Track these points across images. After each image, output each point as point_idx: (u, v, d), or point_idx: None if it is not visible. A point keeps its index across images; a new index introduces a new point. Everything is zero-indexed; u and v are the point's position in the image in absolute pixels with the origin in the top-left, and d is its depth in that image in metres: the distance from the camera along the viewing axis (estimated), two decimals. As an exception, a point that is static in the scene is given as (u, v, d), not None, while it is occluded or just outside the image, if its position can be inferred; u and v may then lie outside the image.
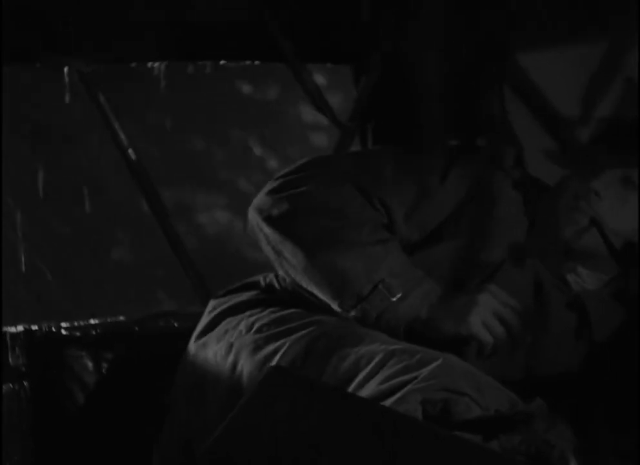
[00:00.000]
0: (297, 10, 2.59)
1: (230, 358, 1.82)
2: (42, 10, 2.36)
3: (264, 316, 1.85)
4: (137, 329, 2.35)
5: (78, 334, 2.29)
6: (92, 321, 2.33)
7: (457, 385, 1.58)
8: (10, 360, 2.21)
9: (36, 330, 2.26)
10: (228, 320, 1.91)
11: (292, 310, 1.85)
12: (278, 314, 1.84)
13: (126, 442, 2.22)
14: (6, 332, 2.22)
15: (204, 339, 1.93)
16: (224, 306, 1.95)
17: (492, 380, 1.65)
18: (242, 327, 1.85)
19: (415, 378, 1.59)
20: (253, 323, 1.84)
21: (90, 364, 2.27)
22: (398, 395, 1.57)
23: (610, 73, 2.36)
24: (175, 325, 2.34)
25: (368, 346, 1.70)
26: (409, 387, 1.57)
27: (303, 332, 1.77)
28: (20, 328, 2.24)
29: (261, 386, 1.53)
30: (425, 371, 1.60)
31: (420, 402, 1.55)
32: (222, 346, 1.86)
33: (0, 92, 2.69)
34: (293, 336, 1.76)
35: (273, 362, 1.73)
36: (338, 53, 2.83)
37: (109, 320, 2.36)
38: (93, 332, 2.30)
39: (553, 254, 1.92)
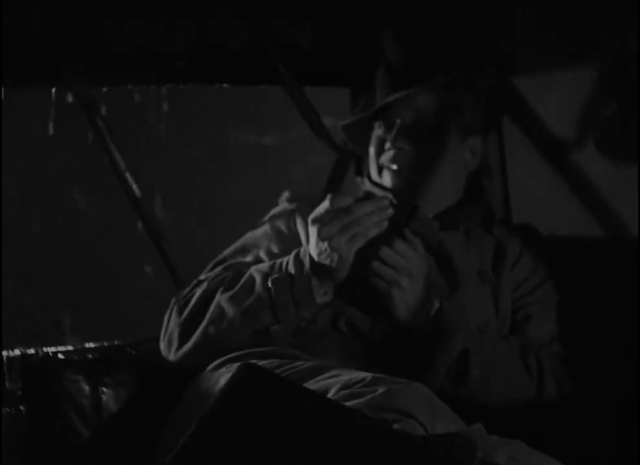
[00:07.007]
0: (295, 33, 2.61)
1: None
2: (41, 33, 2.37)
3: None
4: (133, 352, 2.35)
5: (75, 358, 2.29)
6: (88, 345, 2.33)
7: (408, 409, 1.63)
8: (7, 383, 2.21)
9: (33, 354, 2.25)
10: (208, 375, 1.99)
11: (270, 360, 1.93)
12: None
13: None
14: (3, 356, 2.22)
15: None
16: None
17: (448, 409, 1.71)
18: (222, 381, 1.90)
19: (370, 399, 1.65)
20: None
21: (86, 388, 2.27)
22: None
23: (605, 97, 2.38)
24: (172, 348, 2.33)
25: (329, 379, 1.78)
26: (363, 403, 1.64)
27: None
28: (17, 352, 2.24)
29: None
30: (380, 392, 1.66)
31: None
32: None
33: (0, 112, 2.70)
34: None
35: None
36: (335, 76, 2.84)
37: (105, 343, 2.36)
38: (90, 356, 2.30)
39: None
